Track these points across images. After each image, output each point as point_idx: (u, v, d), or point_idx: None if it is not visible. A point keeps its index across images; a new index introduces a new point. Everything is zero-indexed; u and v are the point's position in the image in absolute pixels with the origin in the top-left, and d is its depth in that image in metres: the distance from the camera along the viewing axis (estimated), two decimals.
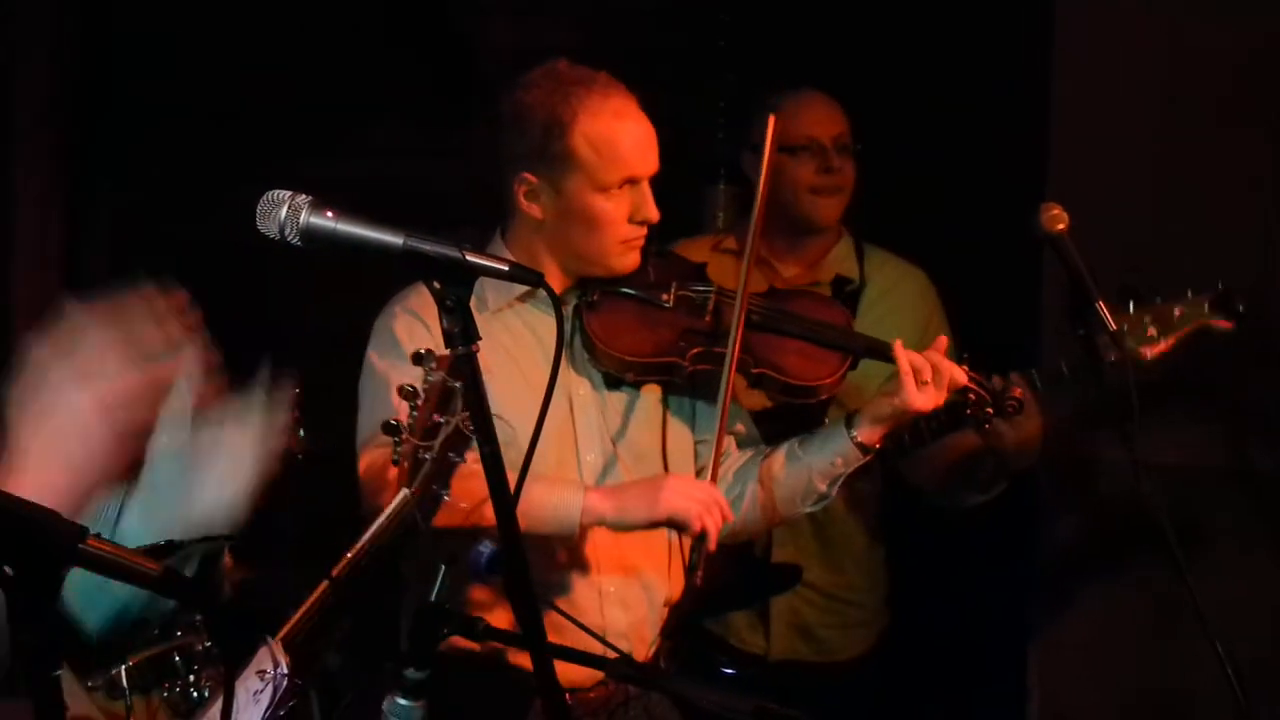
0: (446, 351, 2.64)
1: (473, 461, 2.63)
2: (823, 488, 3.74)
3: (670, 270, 3.76)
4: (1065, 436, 4.28)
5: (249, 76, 5.61)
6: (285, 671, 2.54)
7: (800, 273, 4.57)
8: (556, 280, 3.64)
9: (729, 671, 3.58)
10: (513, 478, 2.61)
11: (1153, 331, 3.78)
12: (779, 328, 3.75)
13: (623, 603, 3.65)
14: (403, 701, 2.90)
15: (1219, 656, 3.46)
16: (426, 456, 2.78)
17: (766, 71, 5.11)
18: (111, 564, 2.08)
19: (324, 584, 2.72)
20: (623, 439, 3.70)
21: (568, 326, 3.66)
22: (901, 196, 4.72)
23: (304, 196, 2.48)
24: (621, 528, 3.53)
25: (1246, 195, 4.73)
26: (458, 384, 2.78)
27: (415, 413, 2.81)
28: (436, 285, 2.51)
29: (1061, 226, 3.67)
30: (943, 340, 3.68)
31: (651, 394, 3.75)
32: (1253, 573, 4.73)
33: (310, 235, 2.47)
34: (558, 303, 2.69)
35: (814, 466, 3.72)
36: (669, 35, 4.79)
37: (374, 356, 3.59)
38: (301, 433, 4.27)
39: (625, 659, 3.30)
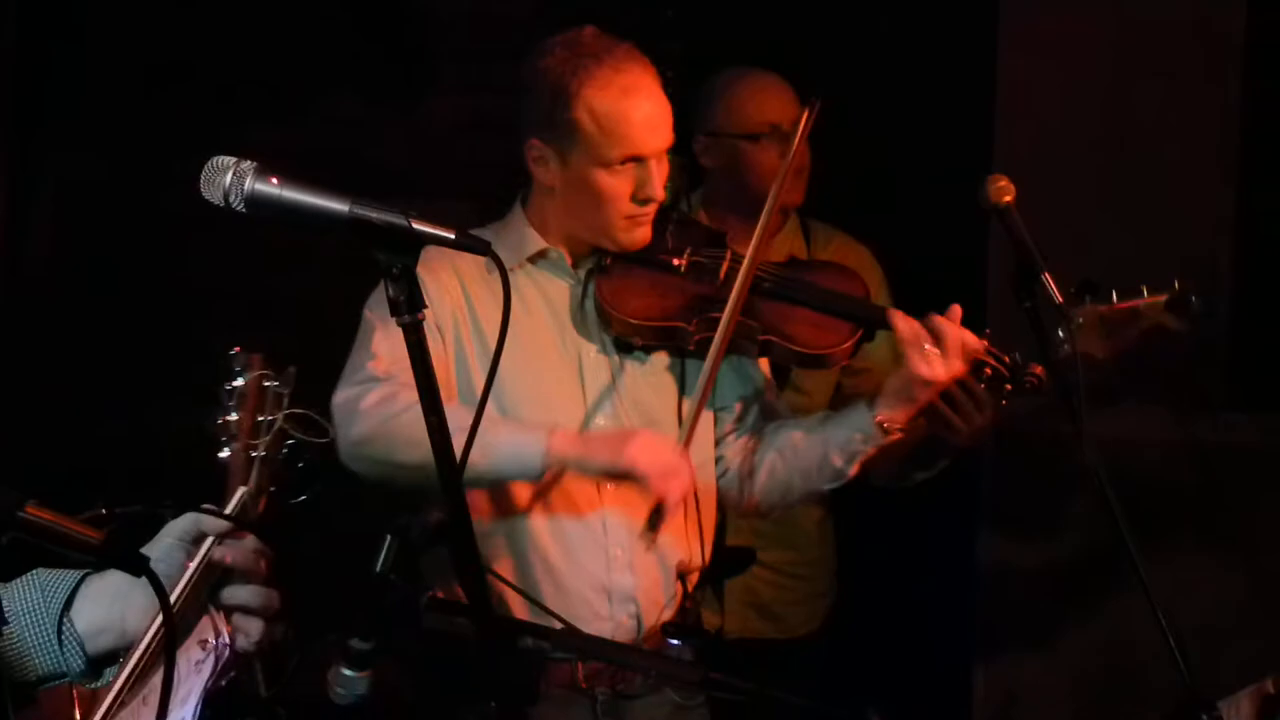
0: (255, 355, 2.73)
1: None
2: (839, 463, 3.68)
3: (687, 236, 3.74)
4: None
5: (199, 44, 5.57)
6: (227, 641, 2.53)
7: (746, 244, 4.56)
8: (571, 246, 3.65)
9: (674, 642, 3.57)
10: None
11: (1108, 331, 3.76)
12: (790, 295, 3.71)
13: (630, 566, 3.62)
14: (348, 672, 2.88)
15: (1162, 628, 3.48)
16: (255, 455, 2.77)
17: (714, 43, 5.10)
18: (51, 531, 2.06)
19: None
20: (637, 406, 3.67)
21: (580, 291, 3.65)
22: (847, 170, 4.71)
23: (248, 162, 2.45)
24: (584, 471, 3.49)
25: (1194, 165, 4.76)
26: (272, 385, 2.79)
27: (239, 415, 2.79)
28: (381, 254, 2.49)
29: (1008, 199, 3.64)
30: (957, 309, 3.61)
31: (667, 362, 3.72)
32: (1198, 544, 4.77)
33: (254, 201, 2.44)
34: (504, 272, 2.66)
35: (832, 440, 3.67)
36: (618, 4, 4.76)
37: (366, 311, 3.58)
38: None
39: (569, 630, 3.28)
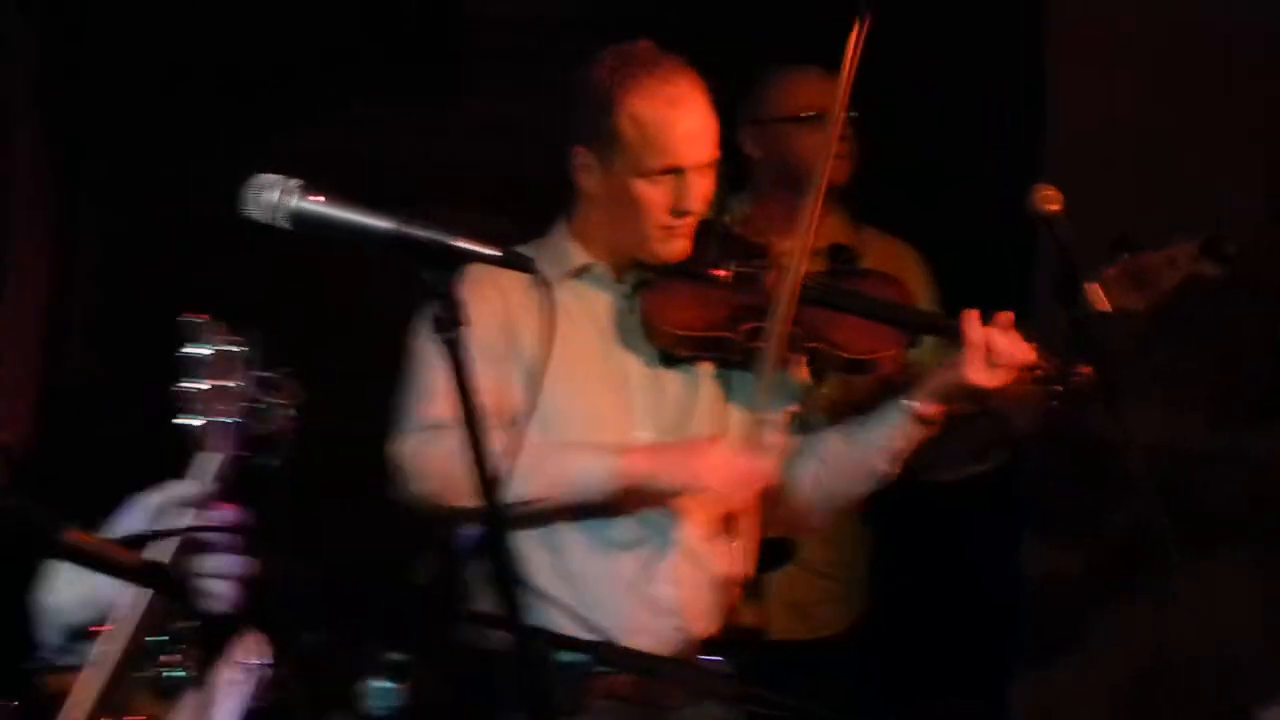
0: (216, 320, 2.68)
1: None
2: (883, 465, 3.68)
3: (730, 248, 3.73)
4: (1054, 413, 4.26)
5: (221, 46, 5.55)
6: (265, 661, 2.52)
7: (795, 243, 4.54)
8: (614, 260, 3.64)
9: (713, 657, 3.57)
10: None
11: (1146, 282, 3.74)
12: (835, 303, 3.71)
13: (672, 578, 3.62)
14: (384, 684, 2.89)
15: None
16: (225, 422, 2.71)
17: (763, 48, 5.08)
18: (91, 555, 2.06)
19: None
20: (681, 420, 3.67)
21: (626, 305, 3.66)
22: (894, 175, 4.69)
23: (294, 181, 2.46)
24: (655, 488, 3.51)
25: (1241, 171, 4.72)
26: (237, 350, 2.74)
27: (204, 382, 2.74)
28: (425, 271, 2.48)
29: (1055, 207, 3.64)
30: (1009, 316, 3.61)
31: (715, 376, 3.71)
32: (1241, 553, 4.74)
33: (300, 219, 2.46)
34: (548, 290, 2.65)
35: (873, 443, 3.67)
36: (668, 7, 4.75)
37: (412, 341, 3.58)
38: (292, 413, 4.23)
39: (605, 643, 3.27)
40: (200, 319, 2.75)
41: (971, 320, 3.58)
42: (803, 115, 4.49)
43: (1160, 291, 3.71)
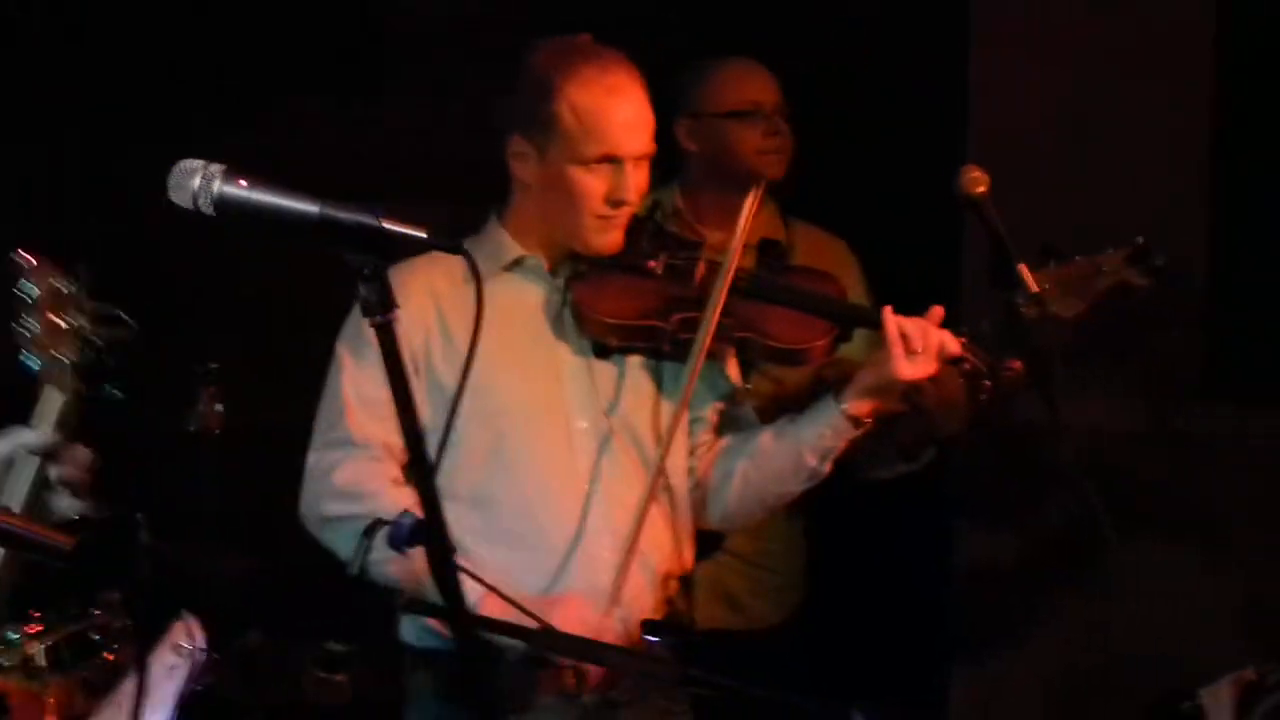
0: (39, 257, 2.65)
1: None
2: (813, 462, 3.67)
3: (662, 241, 3.73)
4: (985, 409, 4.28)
5: (163, 44, 5.53)
6: (202, 646, 2.50)
7: (726, 237, 4.54)
8: (549, 251, 3.65)
9: (653, 640, 3.55)
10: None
11: (1072, 290, 3.75)
12: (766, 295, 3.71)
13: (610, 572, 3.58)
14: (323, 674, 2.87)
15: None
16: (63, 361, 2.68)
17: (691, 35, 5.10)
18: (20, 538, 2.03)
19: None
20: (616, 411, 3.66)
21: (559, 298, 3.65)
22: (820, 161, 4.70)
23: (216, 165, 2.44)
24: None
25: (1168, 156, 4.75)
26: (67, 286, 2.71)
27: (37, 322, 2.71)
28: (352, 255, 2.47)
29: (982, 189, 3.64)
30: (938, 310, 3.60)
31: (645, 368, 3.71)
32: (1175, 535, 4.76)
33: (223, 204, 2.43)
34: (477, 274, 2.64)
35: (803, 440, 3.66)
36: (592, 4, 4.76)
37: (337, 345, 3.60)
38: (219, 407, 4.23)
39: (547, 630, 3.25)
40: (29, 258, 2.72)
41: (887, 313, 3.58)
42: (740, 110, 4.48)
43: (1087, 301, 3.72)
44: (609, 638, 3.47)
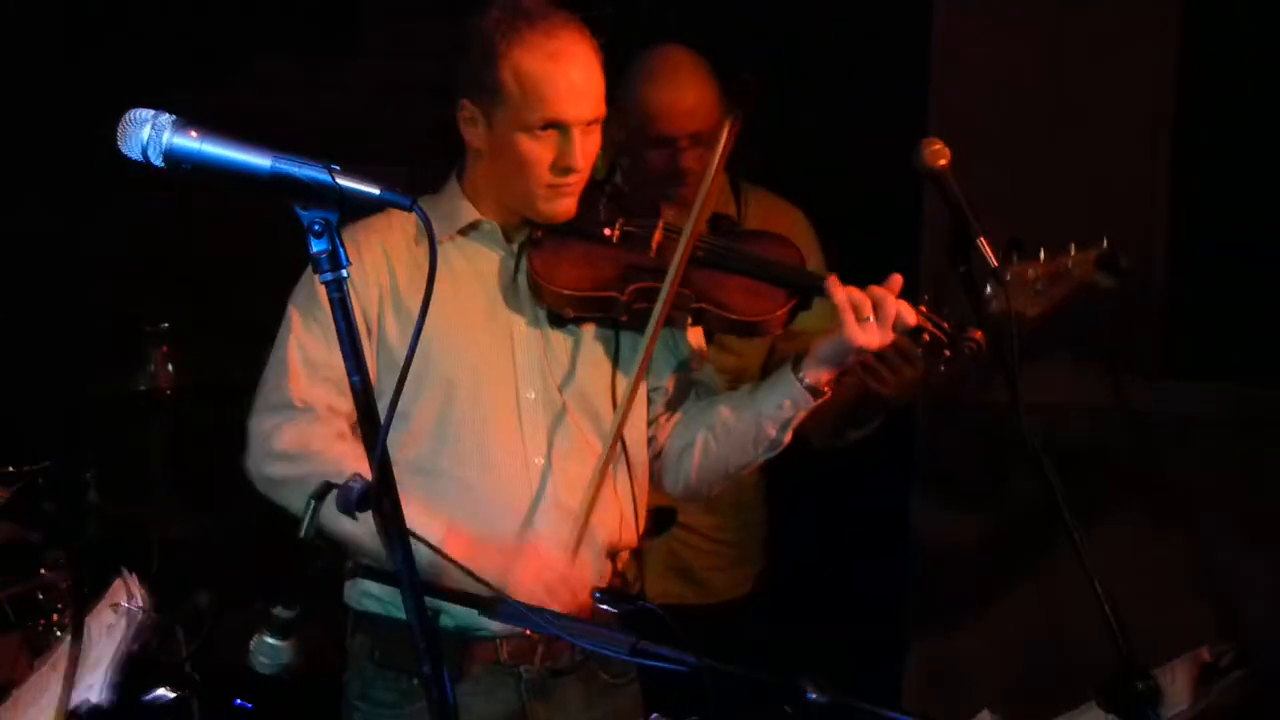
0: None
1: None
2: (773, 433, 3.63)
3: (620, 207, 3.68)
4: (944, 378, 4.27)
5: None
6: (141, 604, 2.46)
7: (676, 214, 4.51)
8: (504, 218, 3.59)
9: (603, 606, 3.51)
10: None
11: (1037, 289, 3.73)
12: (724, 264, 3.66)
13: (558, 546, 3.54)
14: (271, 640, 2.83)
15: (1098, 596, 3.46)
16: None
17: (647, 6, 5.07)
18: None
19: None
20: (570, 382, 3.61)
21: (513, 264, 3.59)
22: (780, 133, 4.68)
23: (167, 115, 2.39)
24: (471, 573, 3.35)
25: (1130, 130, 4.75)
26: None
27: None
28: (302, 208, 2.43)
29: (943, 162, 3.60)
30: (897, 279, 3.55)
31: (601, 337, 3.66)
32: (1132, 512, 4.77)
33: (173, 156, 2.39)
34: (430, 226, 2.60)
35: (763, 411, 3.62)
36: None
37: (289, 304, 3.53)
38: (170, 368, 4.20)
39: (500, 597, 3.22)
40: None
41: (834, 282, 3.54)
42: (654, 138, 4.37)
43: (1053, 301, 3.69)
44: (566, 594, 3.44)
